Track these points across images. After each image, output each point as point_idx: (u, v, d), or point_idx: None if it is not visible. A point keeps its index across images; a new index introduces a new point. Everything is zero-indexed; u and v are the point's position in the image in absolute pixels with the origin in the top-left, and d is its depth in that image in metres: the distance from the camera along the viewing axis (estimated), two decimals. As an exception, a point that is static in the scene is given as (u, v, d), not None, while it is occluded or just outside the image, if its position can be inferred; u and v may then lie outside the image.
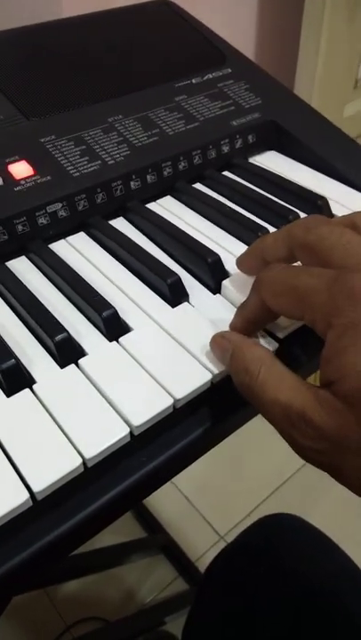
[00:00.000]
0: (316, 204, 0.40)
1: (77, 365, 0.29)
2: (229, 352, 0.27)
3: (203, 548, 1.07)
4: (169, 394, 0.28)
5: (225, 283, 0.34)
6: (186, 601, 0.96)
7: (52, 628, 0.96)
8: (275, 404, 0.24)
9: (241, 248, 0.38)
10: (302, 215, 0.40)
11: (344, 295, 0.23)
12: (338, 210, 0.41)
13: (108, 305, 0.32)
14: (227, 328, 0.31)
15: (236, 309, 0.31)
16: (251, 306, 0.29)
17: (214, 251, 0.36)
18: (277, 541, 0.56)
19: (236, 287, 0.34)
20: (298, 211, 0.40)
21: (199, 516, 1.12)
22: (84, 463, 0.25)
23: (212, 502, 1.14)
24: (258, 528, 0.59)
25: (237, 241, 0.39)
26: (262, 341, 0.31)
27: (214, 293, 0.35)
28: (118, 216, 0.41)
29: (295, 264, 0.28)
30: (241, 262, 0.33)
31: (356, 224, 0.26)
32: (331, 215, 0.41)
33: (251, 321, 0.30)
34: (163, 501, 1.13)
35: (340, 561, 0.55)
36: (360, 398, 0.21)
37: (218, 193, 0.43)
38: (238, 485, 1.16)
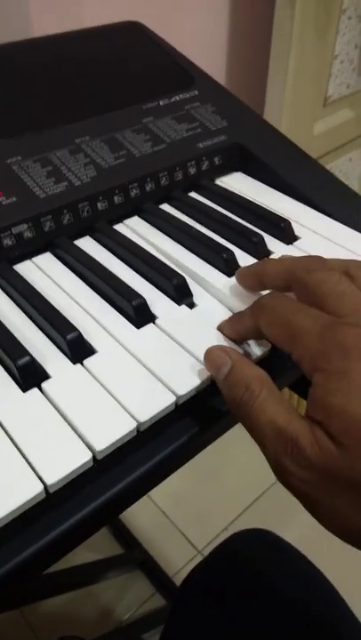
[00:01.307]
0: (280, 226, 0.41)
1: (40, 389, 0.29)
2: (227, 366, 0.28)
3: (180, 562, 1.06)
4: (132, 417, 0.28)
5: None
6: (164, 617, 0.95)
7: (28, 649, 0.94)
8: (270, 425, 0.25)
9: (206, 268, 0.38)
10: (266, 238, 0.41)
11: (334, 344, 0.24)
12: (300, 231, 0.42)
13: (72, 327, 0.32)
14: (193, 347, 0.32)
15: (213, 322, 0.33)
16: (245, 323, 0.31)
17: (179, 272, 0.36)
18: (250, 557, 0.57)
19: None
20: (262, 232, 0.41)
21: (176, 530, 1.12)
22: (45, 490, 0.25)
23: (189, 516, 1.14)
24: (230, 544, 0.59)
25: (203, 262, 0.39)
26: (255, 343, 0.33)
27: (179, 305, 0.35)
28: (85, 235, 0.41)
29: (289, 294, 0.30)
30: (241, 277, 0.34)
31: (350, 272, 0.28)
32: (293, 237, 0.42)
33: (242, 335, 0.32)
34: (139, 516, 1.12)
35: (312, 575, 0.56)
36: (348, 439, 0.22)
37: (184, 214, 0.44)
38: (215, 499, 1.16)
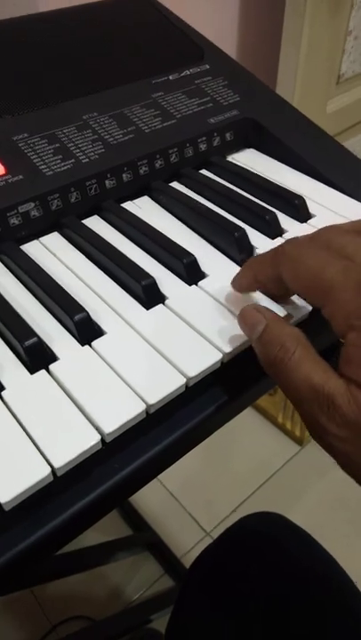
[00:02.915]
0: (294, 203, 0.40)
1: (48, 371, 0.29)
2: (262, 324, 0.27)
3: (189, 544, 1.07)
4: (141, 399, 0.28)
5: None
6: (172, 598, 0.95)
7: (38, 628, 0.95)
8: (306, 383, 0.24)
9: (216, 249, 0.37)
10: (280, 216, 0.40)
11: None
12: (315, 209, 0.41)
13: (80, 308, 0.31)
14: (204, 328, 0.31)
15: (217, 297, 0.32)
16: (266, 272, 0.29)
17: (190, 251, 0.35)
18: (259, 540, 0.56)
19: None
20: (275, 210, 0.40)
21: (185, 512, 1.12)
22: (53, 473, 0.25)
23: (197, 498, 1.14)
24: (240, 527, 0.59)
25: (212, 242, 0.38)
26: (291, 306, 0.31)
27: (190, 285, 0.35)
28: (93, 214, 0.40)
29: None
30: (235, 284, 0.32)
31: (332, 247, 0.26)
32: (308, 214, 0.40)
33: (260, 283, 0.30)
34: (148, 498, 1.13)
35: (321, 557, 0.55)
36: None
37: (195, 191, 0.43)
38: (224, 481, 1.16)
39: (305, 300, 0.29)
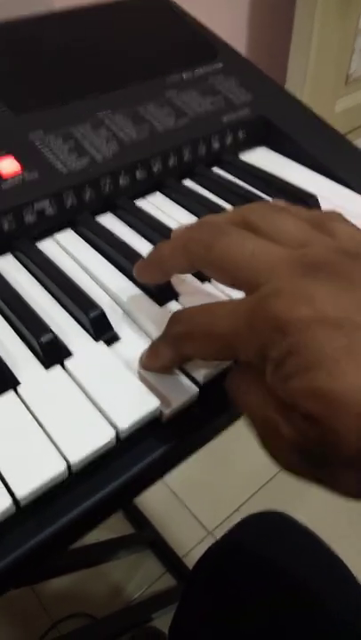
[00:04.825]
0: (306, 202, 0.40)
1: (63, 367, 0.29)
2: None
3: (191, 543, 1.07)
4: (156, 397, 0.28)
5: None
6: (173, 597, 0.96)
7: (39, 625, 0.95)
8: (253, 414, 0.23)
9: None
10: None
11: (267, 328, 0.21)
12: (328, 207, 0.41)
13: (94, 305, 0.31)
14: None
15: None
16: (165, 356, 0.27)
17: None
18: (264, 539, 0.56)
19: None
20: (288, 209, 0.40)
21: (187, 511, 1.12)
22: (68, 468, 0.25)
23: (199, 497, 1.14)
24: (245, 526, 0.59)
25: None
26: (179, 388, 0.29)
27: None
28: (107, 212, 0.40)
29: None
30: (139, 272, 0.30)
31: (249, 222, 0.24)
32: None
33: (167, 368, 0.28)
34: (150, 497, 1.13)
35: (325, 556, 0.55)
36: (323, 416, 0.19)
37: (207, 189, 0.43)
38: (226, 480, 1.16)
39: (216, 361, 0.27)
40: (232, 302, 0.23)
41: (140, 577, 1.04)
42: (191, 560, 0.57)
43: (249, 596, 0.52)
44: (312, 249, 0.23)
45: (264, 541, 0.56)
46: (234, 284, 0.24)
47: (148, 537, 1.07)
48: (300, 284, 0.21)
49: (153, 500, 1.13)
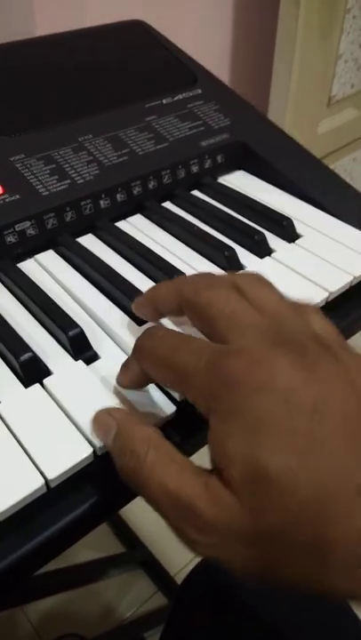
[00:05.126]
0: (282, 224, 0.41)
1: (42, 385, 0.30)
2: (113, 430, 0.25)
3: (182, 562, 1.06)
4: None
5: None
6: (165, 616, 0.95)
7: (29, 646, 0.94)
8: (162, 492, 0.22)
9: (208, 267, 0.38)
10: (269, 236, 0.41)
11: (221, 381, 0.21)
12: (303, 230, 0.42)
13: (74, 324, 0.32)
14: None
15: None
16: (133, 370, 0.28)
17: (180, 269, 0.36)
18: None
19: None
20: (264, 230, 0.41)
21: (178, 529, 1.12)
22: (46, 484, 0.25)
23: (191, 515, 1.13)
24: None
25: (205, 260, 0.39)
26: (155, 406, 0.29)
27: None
28: (88, 233, 0.42)
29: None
30: (137, 307, 0.32)
31: (239, 286, 0.26)
32: (295, 235, 0.42)
33: (135, 383, 0.29)
34: (141, 515, 1.12)
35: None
36: (246, 487, 0.20)
37: (187, 212, 0.44)
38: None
39: (171, 390, 0.28)
40: (203, 342, 0.24)
41: (131, 596, 1.03)
42: (183, 579, 0.57)
43: (237, 612, 0.52)
44: (288, 325, 0.24)
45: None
46: (209, 334, 0.25)
47: (139, 556, 1.06)
48: (266, 351, 0.22)
49: (144, 518, 1.12)
